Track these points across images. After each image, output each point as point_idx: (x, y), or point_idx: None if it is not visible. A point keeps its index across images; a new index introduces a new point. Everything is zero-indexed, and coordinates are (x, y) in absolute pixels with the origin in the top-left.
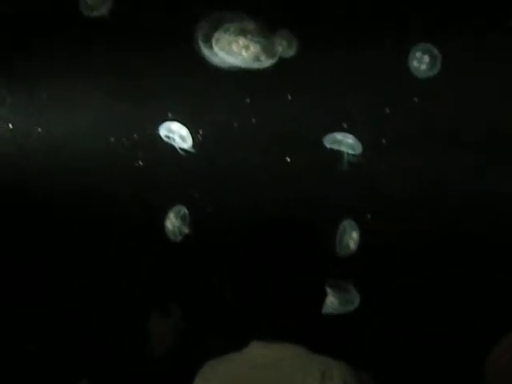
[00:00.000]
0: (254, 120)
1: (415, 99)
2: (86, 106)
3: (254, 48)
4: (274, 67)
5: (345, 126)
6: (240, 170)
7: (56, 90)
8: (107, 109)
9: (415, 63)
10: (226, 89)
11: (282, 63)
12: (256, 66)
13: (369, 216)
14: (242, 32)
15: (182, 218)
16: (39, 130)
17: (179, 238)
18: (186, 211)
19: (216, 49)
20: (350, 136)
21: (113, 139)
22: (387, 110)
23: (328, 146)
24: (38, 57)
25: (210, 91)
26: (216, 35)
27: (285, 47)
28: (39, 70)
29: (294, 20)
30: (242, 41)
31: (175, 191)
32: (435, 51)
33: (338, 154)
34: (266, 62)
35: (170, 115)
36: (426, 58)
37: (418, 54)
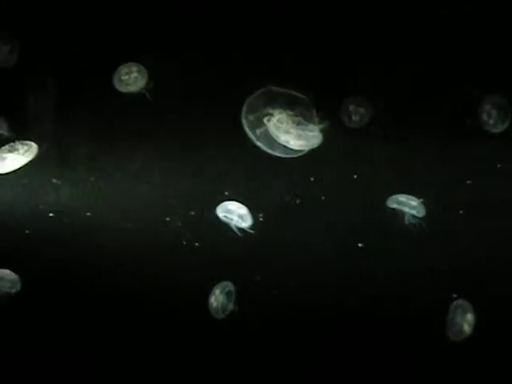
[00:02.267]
0: (317, 198)
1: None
2: (144, 183)
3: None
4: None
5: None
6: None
7: (113, 166)
8: (165, 187)
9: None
10: (288, 166)
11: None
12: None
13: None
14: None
15: (228, 295)
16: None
17: (223, 315)
18: (232, 288)
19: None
20: (413, 198)
21: (168, 218)
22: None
23: (391, 206)
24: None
25: (270, 169)
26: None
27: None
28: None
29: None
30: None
31: (231, 270)
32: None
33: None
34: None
35: (227, 194)
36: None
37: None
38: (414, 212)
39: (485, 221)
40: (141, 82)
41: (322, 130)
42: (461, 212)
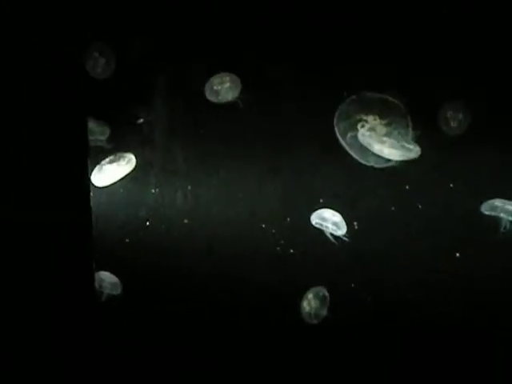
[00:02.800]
0: (414, 206)
1: None
2: (239, 191)
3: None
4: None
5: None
6: (396, 258)
7: (208, 174)
8: (260, 195)
9: None
10: (383, 173)
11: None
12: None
13: None
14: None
15: (322, 300)
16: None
17: (315, 321)
18: (326, 293)
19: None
20: (510, 202)
21: (264, 225)
22: None
23: (486, 212)
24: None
25: (365, 177)
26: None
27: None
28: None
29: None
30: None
31: (324, 276)
32: None
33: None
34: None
35: (322, 201)
36: None
37: None
38: (510, 218)
39: None
40: (234, 91)
41: (417, 139)
42: None
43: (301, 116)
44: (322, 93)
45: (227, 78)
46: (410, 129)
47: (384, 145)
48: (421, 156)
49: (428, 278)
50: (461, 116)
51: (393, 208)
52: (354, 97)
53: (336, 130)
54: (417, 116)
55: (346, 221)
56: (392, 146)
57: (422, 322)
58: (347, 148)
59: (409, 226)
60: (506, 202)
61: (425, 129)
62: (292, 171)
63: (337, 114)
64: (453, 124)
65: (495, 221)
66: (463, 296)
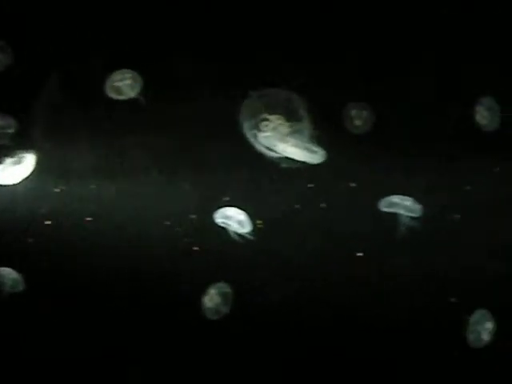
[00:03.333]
0: (317, 205)
1: None
2: (144, 188)
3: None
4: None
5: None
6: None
7: (112, 173)
8: (165, 192)
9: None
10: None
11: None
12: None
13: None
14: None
15: (224, 297)
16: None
17: (217, 317)
18: (229, 290)
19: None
20: (407, 198)
21: (168, 222)
22: None
23: (384, 209)
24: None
25: (270, 175)
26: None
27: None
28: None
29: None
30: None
31: (228, 274)
32: None
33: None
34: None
35: (227, 199)
36: None
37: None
38: (409, 213)
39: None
40: (135, 88)
41: (320, 138)
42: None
43: (205, 114)
44: (227, 90)
45: (128, 75)
46: (313, 129)
47: (288, 144)
48: (325, 155)
49: (331, 275)
50: (365, 114)
51: (296, 206)
52: (258, 95)
53: (241, 128)
54: (320, 115)
55: (250, 219)
56: (296, 146)
57: (328, 319)
58: (252, 146)
59: (312, 224)
60: (404, 198)
61: (328, 128)
62: (197, 169)
63: (242, 110)
64: (357, 123)
65: (395, 219)
66: (367, 294)
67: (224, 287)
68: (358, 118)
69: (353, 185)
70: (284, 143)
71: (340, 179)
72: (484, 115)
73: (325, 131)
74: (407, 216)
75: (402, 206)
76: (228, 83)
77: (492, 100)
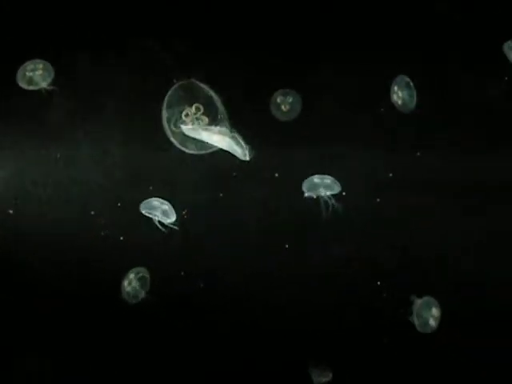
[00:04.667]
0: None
1: None
2: (67, 178)
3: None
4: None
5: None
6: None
7: (35, 158)
8: (89, 182)
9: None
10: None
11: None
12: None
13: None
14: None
15: (141, 281)
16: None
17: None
18: (147, 275)
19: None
20: (326, 176)
21: (93, 212)
22: None
23: (308, 193)
24: None
25: (192, 166)
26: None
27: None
28: None
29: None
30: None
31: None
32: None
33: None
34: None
35: (151, 189)
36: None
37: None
38: (329, 191)
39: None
40: (47, 78)
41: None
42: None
43: (125, 103)
44: (147, 80)
45: (40, 65)
46: (227, 120)
47: (207, 133)
48: (249, 144)
49: (251, 265)
50: (291, 100)
51: (221, 195)
52: (180, 84)
53: (163, 117)
54: (248, 104)
55: (174, 209)
56: (215, 135)
57: (240, 309)
58: (172, 136)
59: (237, 212)
60: (324, 176)
61: (255, 116)
62: (120, 159)
63: (163, 101)
64: (284, 108)
65: (319, 208)
66: (294, 286)
67: (141, 271)
68: (285, 104)
69: (276, 174)
70: (203, 132)
71: (265, 168)
72: (400, 97)
73: (253, 119)
74: (328, 195)
75: (323, 184)
76: (149, 73)
77: (407, 82)
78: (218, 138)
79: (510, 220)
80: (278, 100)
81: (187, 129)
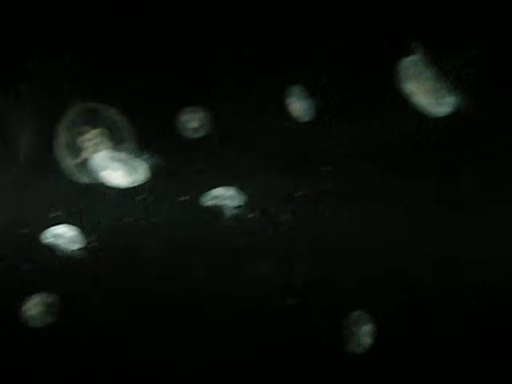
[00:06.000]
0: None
1: None
2: None
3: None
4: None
5: None
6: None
7: None
8: None
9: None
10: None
11: None
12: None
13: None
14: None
15: (48, 306)
16: None
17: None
18: (54, 299)
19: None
20: (229, 188)
21: None
22: None
23: (207, 203)
24: None
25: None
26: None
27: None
28: None
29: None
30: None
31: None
32: None
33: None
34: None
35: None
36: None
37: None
38: (233, 203)
39: None
40: None
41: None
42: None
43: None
44: (45, 104)
45: None
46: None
47: (111, 170)
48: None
49: (168, 287)
50: (201, 117)
51: (128, 220)
52: (80, 107)
53: (61, 142)
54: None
55: (81, 235)
56: (119, 170)
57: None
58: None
59: (143, 237)
60: (227, 188)
61: (159, 136)
62: (29, 183)
63: (61, 124)
64: (192, 126)
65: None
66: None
67: (48, 297)
68: (193, 122)
69: (185, 197)
70: (107, 170)
71: (172, 189)
72: (296, 107)
73: (155, 140)
74: (232, 207)
75: (227, 196)
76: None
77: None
78: (117, 175)
79: None
80: (184, 119)
81: (88, 160)
